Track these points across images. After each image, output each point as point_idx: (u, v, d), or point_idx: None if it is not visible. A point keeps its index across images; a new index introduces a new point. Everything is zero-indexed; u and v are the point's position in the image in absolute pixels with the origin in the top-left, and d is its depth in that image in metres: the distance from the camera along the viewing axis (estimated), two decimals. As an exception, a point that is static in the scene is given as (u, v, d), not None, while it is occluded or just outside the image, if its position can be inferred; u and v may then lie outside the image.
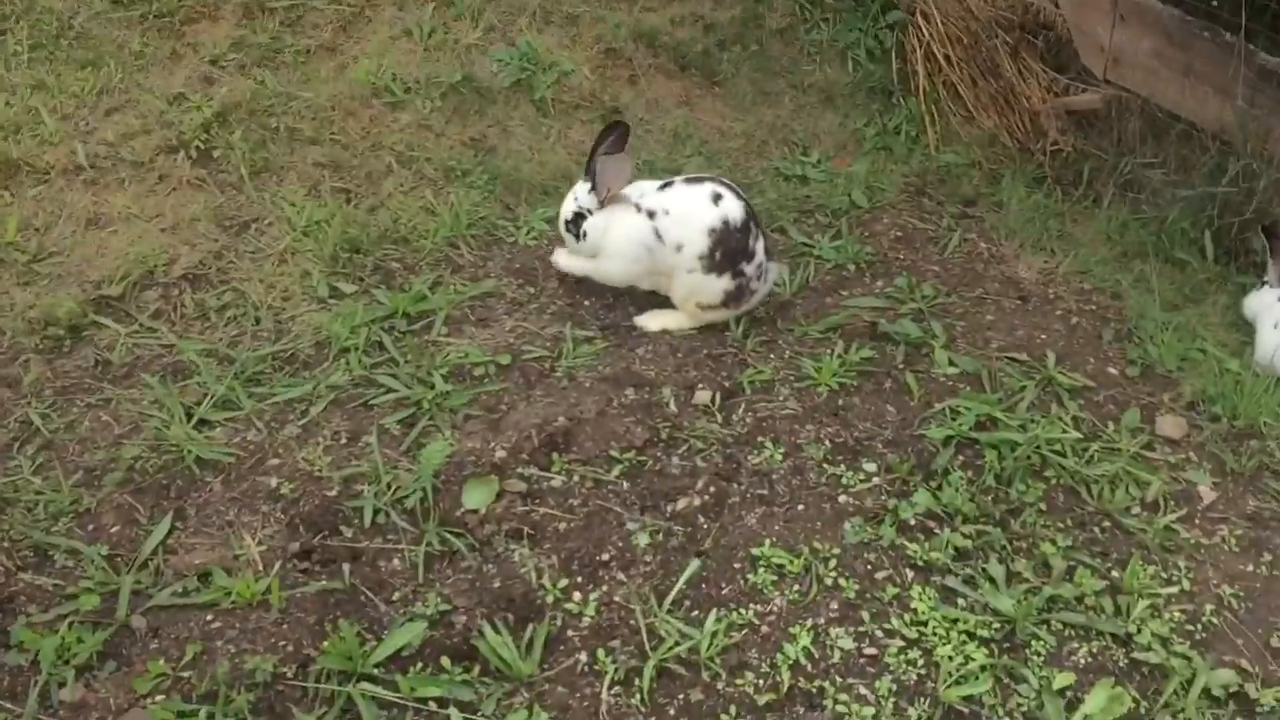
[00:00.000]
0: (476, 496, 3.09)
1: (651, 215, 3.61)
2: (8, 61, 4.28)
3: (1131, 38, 4.56)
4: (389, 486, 3.12)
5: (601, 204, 3.69)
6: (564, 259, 3.88)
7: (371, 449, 3.24)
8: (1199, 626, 2.86)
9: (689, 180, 3.66)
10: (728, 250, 3.59)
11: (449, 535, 3.01)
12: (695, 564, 2.95)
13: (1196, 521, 3.15)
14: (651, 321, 3.79)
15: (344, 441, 3.30)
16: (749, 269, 3.65)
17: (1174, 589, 2.93)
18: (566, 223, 3.78)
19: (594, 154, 3.64)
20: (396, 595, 2.88)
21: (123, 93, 4.27)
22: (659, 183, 3.70)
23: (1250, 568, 3.01)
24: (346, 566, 2.93)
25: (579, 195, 3.75)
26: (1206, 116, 4.34)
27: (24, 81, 4.22)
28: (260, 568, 2.91)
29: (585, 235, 3.74)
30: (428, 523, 3.03)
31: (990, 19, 5.10)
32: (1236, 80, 4.14)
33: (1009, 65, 5.08)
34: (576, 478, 3.19)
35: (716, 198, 3.59)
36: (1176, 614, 2.88)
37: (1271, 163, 4.04)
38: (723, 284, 3.64)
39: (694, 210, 3.59)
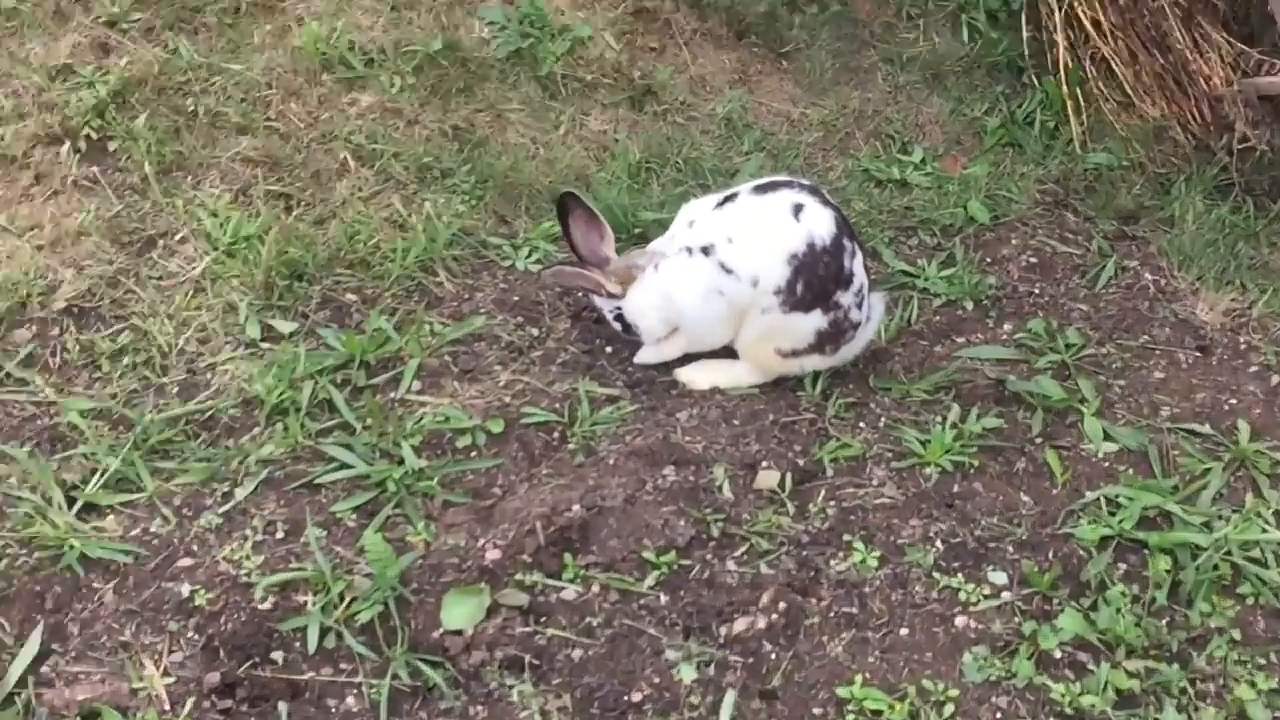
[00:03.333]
0: (460, 613, 3.08)
1: (708, 251, 3.62)
2: None
3: (1349, -2, 4.60)
4: (341, 598, 3.11)
5: (619, 294, 3.79)
6: (646, 355, 3.93)
7: (313, 546, 3.23)
8: None
9: (758, 189, 3.66)
10: (815, 278, 3.60)
11: (422, 665, 2.99)
12: (758, 707, 2.92)
13: None
14: (699, 376, 3.82)
15: (280, 536, 3.30)
16: (846, 298, 3.65)
17: None
18: (622, 327, 3.90)
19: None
20: (351, 747, 2.86)
21: (-12, 64, 4.34)
22: (718, 197, 3.70)
23: None
24: (283, 706, 2.91)
25: (598, 301, 3.90)
26: None
27: None
28: (167, 706, 2.89)
29: (635, 326, 3.83)
30: (394, 648, 3.02)
31: (1155, -30, 5.16)
32: None
33: (1181, 35, 5.12)
34: (597, 588, 3.19)
35: (797, 209, 3.59)
36: None
37: None
38: (813, 322, 3.65)
39: (768, 230, 3.59)
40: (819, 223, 3.59)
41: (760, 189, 3.67)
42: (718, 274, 3.63)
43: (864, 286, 3.72)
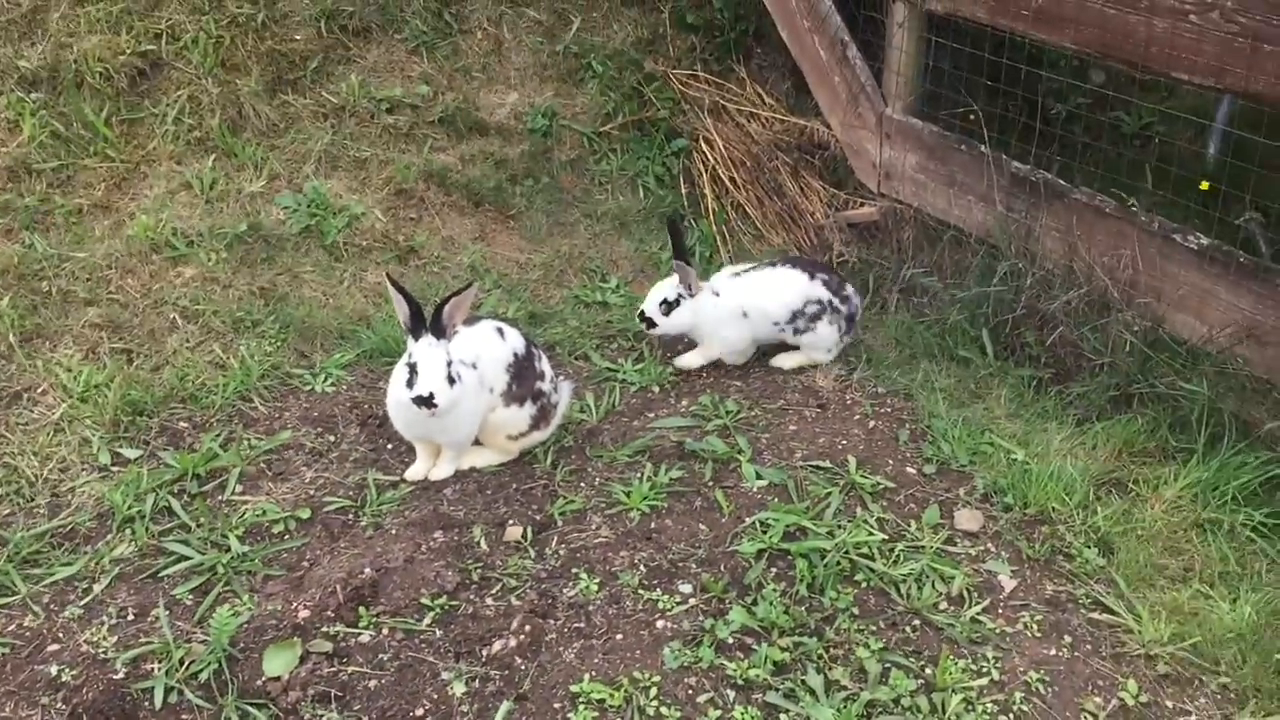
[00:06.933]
0: (278, 662, 2.97)
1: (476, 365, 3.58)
2: None
3: (898, 154, 4.90)
4: (181, 662, 2.97)
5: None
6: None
7: (161, 623, 3.09)
8: (1011, 716, 2.94)
9: (465, 323, 3.60)
10: (524, 378, 3.68)
11: (249, 707, 2.88)
12: (508, 707, 2.89)
13: (1000, 611, 3.27)
14: (453, 466, 3.78)
15: (131, 618, 3.15)
16: (545, 386, 3.74)
17: (984, 680, 3.02)
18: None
19: None
20: (194, 780, 2.73)
21: (-126, 266, 4.07)
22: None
23: (1053, 651, 3.13)
24: (137, 755, 2.75)
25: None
26: (972, 222, 4.66)
27: None
28: (39, 768, 2.71)
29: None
30: (225, 697, 2.90)
31: (769, 142, 5.39)
32: (994, 188, 4.47)
33: (791, 184, 5.35)
34: (386, 631, 3.12)
35: (500, 332, 3.68)
36: (989, 705, 2.96)
37: (1034, 261, 4.35)
38: (527, 411, 3.70)
39: (492, 349, 3.65)
40: (516, 338, 3.72)
41: (466, 322, 3.61)
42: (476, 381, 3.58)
43: (551, 374, 3.81)
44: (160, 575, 3.29)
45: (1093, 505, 3.62)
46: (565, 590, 3.27)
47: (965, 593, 3.30)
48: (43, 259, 4.25)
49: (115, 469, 3.65)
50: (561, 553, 3.42)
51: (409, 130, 5.15)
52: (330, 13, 5.13)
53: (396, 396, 3.46)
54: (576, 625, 3.15)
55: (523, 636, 3.10)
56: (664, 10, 5.63)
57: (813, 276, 4.29)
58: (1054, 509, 3.61)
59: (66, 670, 2.96)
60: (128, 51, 4.78)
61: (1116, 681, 3.05)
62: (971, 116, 4.76)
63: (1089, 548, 3.47)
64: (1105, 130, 5.15)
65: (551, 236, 5.14)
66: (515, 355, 3.67)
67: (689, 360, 4.31)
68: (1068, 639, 3.17)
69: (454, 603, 3.20)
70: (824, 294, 4.27)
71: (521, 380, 3.67)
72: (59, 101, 4.66)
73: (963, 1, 4.37)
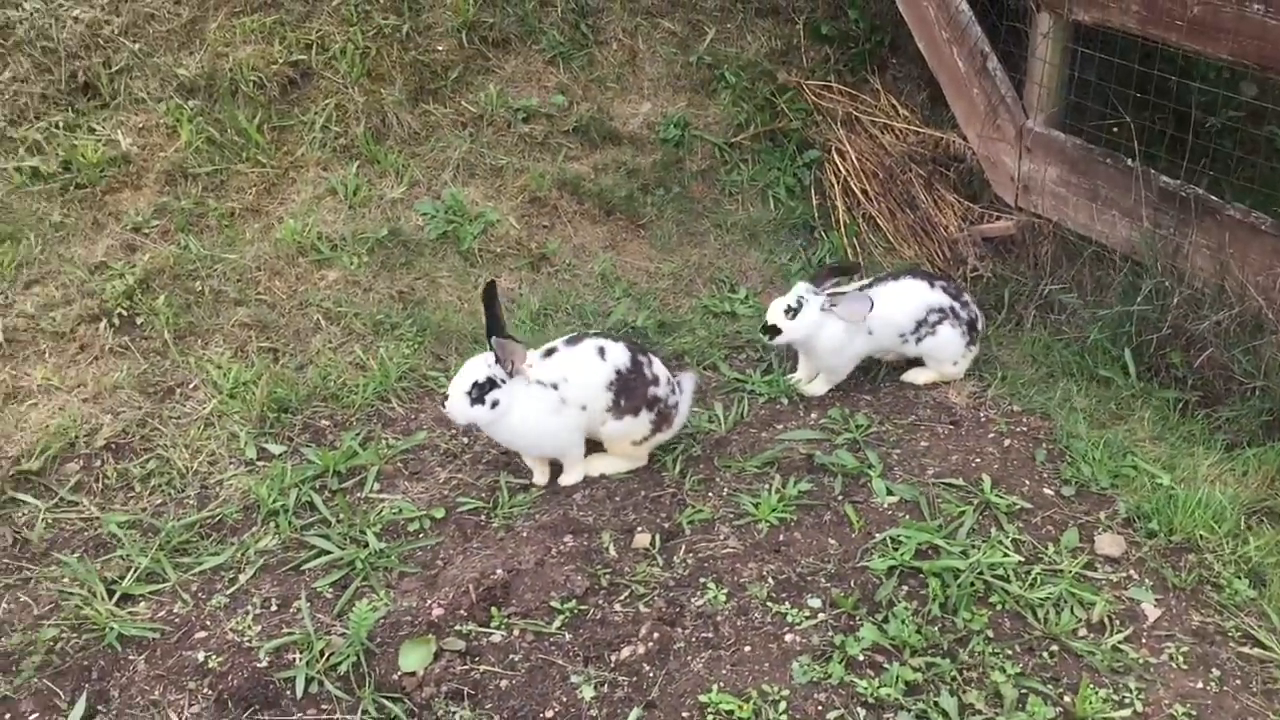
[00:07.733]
0: (413, 658, 3.02)
1: (556, 386, 3.57)
2: (-76, 237, 4.27)
3: (1038, 167, 4.76)
4: (322, 654, 3.04)
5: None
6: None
7: (302, 615, 3.16)
8: (1155, 749, 2.83)
9: (568, 342, 3.65)
10: (632, 391, 3.64)
11: (385, 701, 2.93)
12: (638, 714, 2.88)
13: (1143, 640, 3.15)
14: (584, 470, 3.79)
15: (274, 609, 3.23)
16: (660, 390, 3.69)
17: (1126, 711, 2.92)
18: None
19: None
20: (332, 770, 2.78)
21: (43, 264, 4.26)
22: (542, 350, 3.65)
23: (1200, 684, 3.01)
24: (279, 742, 2.83)
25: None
26: (1116, 238, 4.50)
27: (-59, 257, 4.20)
28: (187, 749, 2.80)
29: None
30: (363, 689, 2.95)
31: (903, 154, 5.30)
32: (1140, 203, 4.32)
33: (924, 196, 5.24)
34: (517, 632, 3.14)
35: (601, 352, 3.63)
36: (1132, 737, 2.85)
37: (1182, 279, 4.19)
38: (644, 418, 3.69)
39: (586, 371, 3.62)
40: (618, 355, 3.64)
41: (569, 342, 3.64)
42: (557, 403, 3.59)
43: (667, 377, 3.74)
44: (302, 568, 3.37)
45: (1243, 534, 3.47)
46: (693, 599, 3.25)
47: (1106, 620, 3.19)
48: (197, 260, 4.40)
49: (261, 463, 3.76)
50: (689, 562, 3.40)
51: (544, 139, 5.20)
52: (471, 24, 5.20)
53: None
54: (704, 635, 3.13)
55: (651, 644, 3.09)
56: (798, 21, 5.57)
57: (932, 285, 4.23)
58: (1202, 537, 3.47)
59: (213, 657, 3.05)
60: (280, 61, 4.91)
61: (1269, 719, 2.90)
62: (1115, 129, 4.59)
63: (1239, 578, 3.32)
64: (1262, 145, 4.93)
65: (681, 246, 5.12)
66: (618, 372, 3.63)
67: (816, 388, 4.25)
68: (1216, 672, 3.04)
69: (583, 607, 3.21)
70: (945, 300, 4.19)
71: (629, 394, 3.64)
72: (214, 109, 4.81)
73: (1112, 11, 4.23)
